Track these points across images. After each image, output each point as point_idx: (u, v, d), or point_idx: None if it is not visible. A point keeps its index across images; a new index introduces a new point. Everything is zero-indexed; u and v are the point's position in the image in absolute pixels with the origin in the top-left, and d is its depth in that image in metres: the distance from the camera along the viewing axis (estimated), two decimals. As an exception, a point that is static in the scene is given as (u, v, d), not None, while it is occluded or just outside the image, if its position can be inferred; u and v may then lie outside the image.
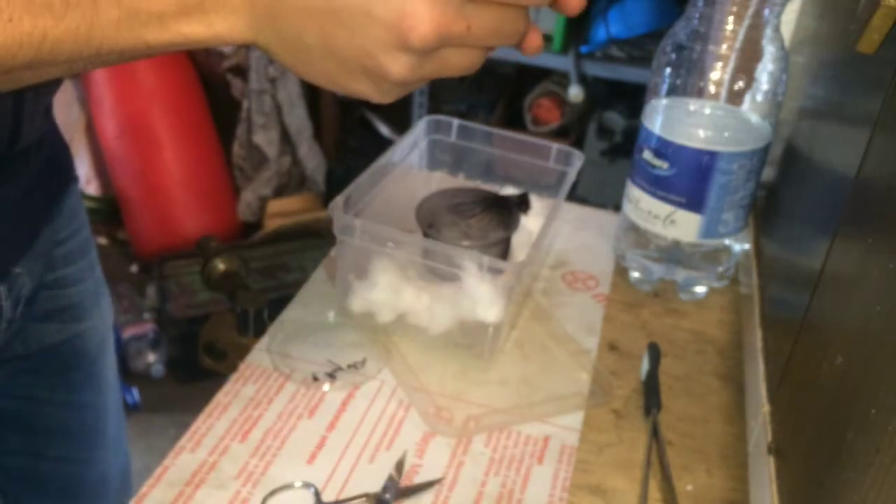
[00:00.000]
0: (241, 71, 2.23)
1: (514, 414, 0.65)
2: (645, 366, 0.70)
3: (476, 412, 0.64)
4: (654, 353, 0.70)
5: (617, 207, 0.87)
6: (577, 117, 2.17)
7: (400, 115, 2.28)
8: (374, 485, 0.57)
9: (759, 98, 0.74)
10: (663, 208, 0.76)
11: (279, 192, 2.33)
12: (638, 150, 0.77)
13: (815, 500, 0.45)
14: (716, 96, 0.74)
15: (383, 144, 1.30)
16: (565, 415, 0.65)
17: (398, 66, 0.41)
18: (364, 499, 0.56)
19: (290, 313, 0.73)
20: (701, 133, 0.73)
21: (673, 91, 0.76)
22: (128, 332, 1.93)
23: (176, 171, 2.16)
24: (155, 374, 1.93)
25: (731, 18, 0.71)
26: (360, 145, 2.41)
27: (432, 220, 0.72)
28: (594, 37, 1.98)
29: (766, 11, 0.71)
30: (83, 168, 2.28)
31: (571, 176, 0.78)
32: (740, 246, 0.81)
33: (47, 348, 0.70)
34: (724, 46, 0.72)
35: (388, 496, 0.56)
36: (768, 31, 0.72)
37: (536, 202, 0.78)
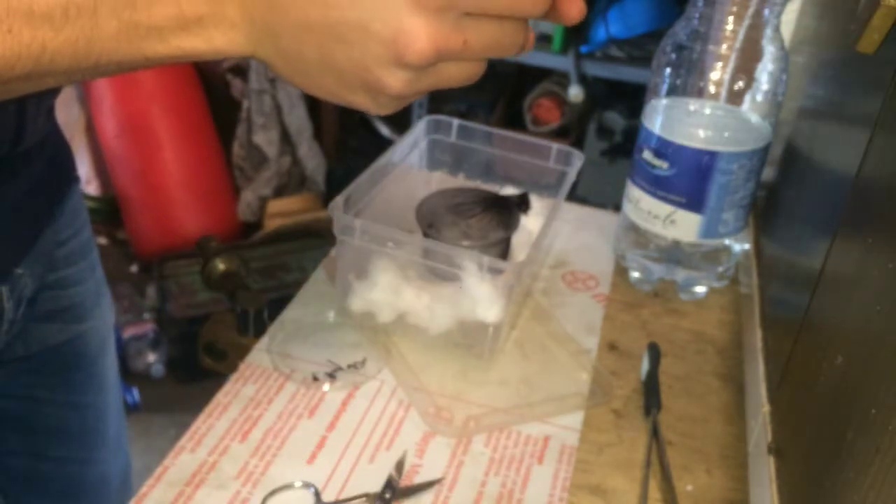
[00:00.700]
0: (241, 71, 2.23)
1: (514, 414, 0.65)
2: (645, 366, 0.70)
3: (476, 412, 0.64)
4: (654, 353, 0.70)
5: (617, 207, 0.87)
6: (577, 117, 2.17)
7: (400, 115, 2.26)
8: (374, 485, 0.57)
9: (759, 98, 0.74)
10: (663, 208, 0.76)
11: (279, 192, 2.33)
12: (638, 150, 0.77)
13: (815, 500, 0.45)
14: (716, 96, 0.74)
15: (383, 144, 1.30)
16: (565, 415, 0.65)
17: (395, 81, 0.41)
18: (364, 499, 0.56)
19: (290, 313, 0.73)
20: (701, 133, 0.73)
21: (673, 91, 0.76)
22: (128, 332, 1.93)
23: (176, 171, 2.16)
24: (155, 374, 1.93)
25: (731, 18, 0.71)
26: (360, 145, 2.41)
27: (432, 220, 0.72)
28: (594, 37, 1.99)
29: (766, 11, 0.71)
30: (83, 168, 2.28)
31: (571, 176, 0.78)
32: (740, 246, 0.81)
33: (48, 349, 0.70)
34: (724, 46, 0.72)
35: (388, 496, 0.56)
36: (768, 31, 0.72)
37: (536, 202, 0.78)
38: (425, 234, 0.71)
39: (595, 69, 2.03)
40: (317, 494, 0.56)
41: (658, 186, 0.76)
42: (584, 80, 2.03)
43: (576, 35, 2.02)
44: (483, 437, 0.63)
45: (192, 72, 2.23)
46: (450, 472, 0.59)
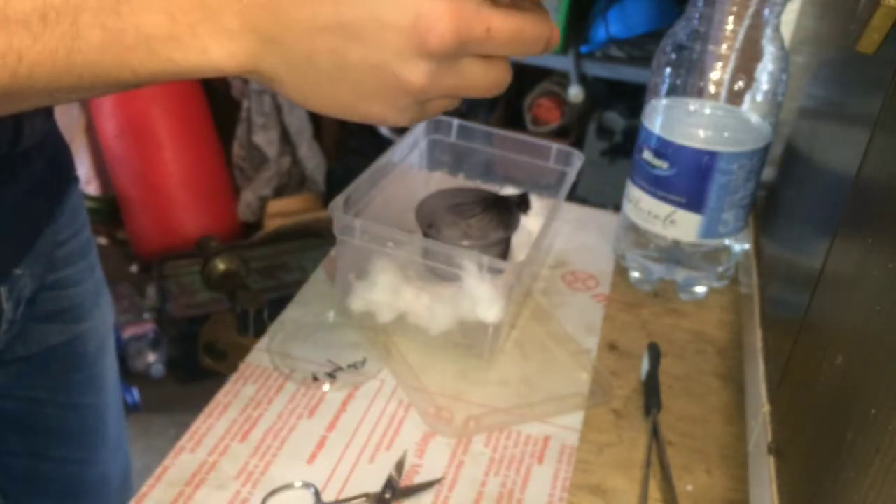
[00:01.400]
0: (242, 71, 2.23)
1: (514, 414, 0.65)
2: (645, 366, 0.70)
3: (476, 412, 0.64)
4: (654, 353, 0.70)
5: (617, 207, 0.87)
6: (577, 117, 2.17)
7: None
8: (374, 485, 0.57)
9: (759, 98, 0.74)
10: (663, 208, 0.76)
11: (279, 192, 2.33)
12: (638, 150, 0.77)
13: (815, 500, 0.45)
14: (716, 96, 0.74)
15: (383, 144, 1.30)
16: (565, 415, 0.65)
17: (417, 74, 0.38)
18: (364, 499, 0.56)
19: (290, 313, 0.73)
20: (701, 133, 0.73)
21: (673, 91, 0.76)
22: (128, 332, 1.93)
23: (176, 171, 2.16)
24: (155, 374, 1.93)
25: (731, 18, 0.71)
26: (360, 145, 2.41)
27: (432, 220, 0.72)
28: (594, 37, 1.99)
29: (766, 11, 0.71)
30: (83, 168, 2.29)
31: (571, 176, 0.78)
32: (740, 246, 0.81)
33: (48, 349, 0.70)
34: (724, 46, 0.72)
35: (388, 496, 0.56)
36: (768, 31, 0.72)
37: (536, 202, 0.78)
38: (425, 234, 0.71)
39: (595, 69, 2.03)
40: (317, 494, 0.56)
41: (658, 186, 0.76)
42: (584, 80, 2.03)
43: (576, 35, 2.02)
44: (483, 437, 0.63)
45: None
46: (450, 472, 0.59)
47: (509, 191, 0.80)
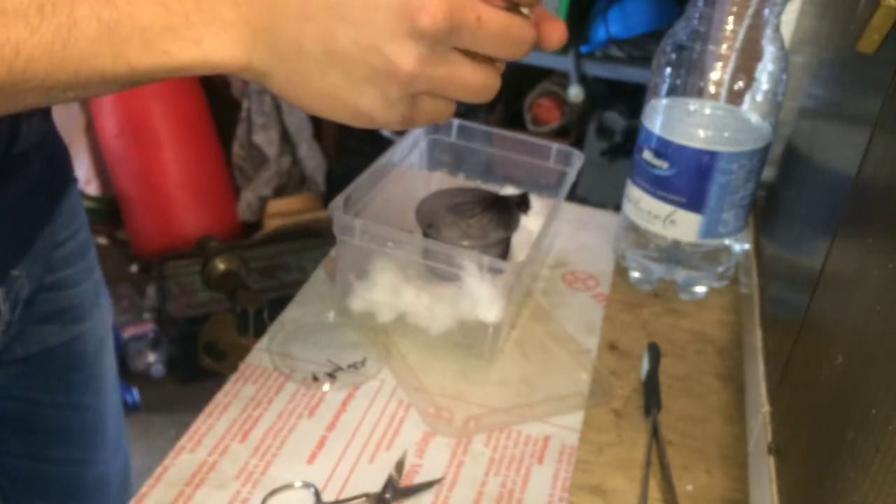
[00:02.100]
0: (241, 71, 2.23)
1: (514, 414, 0.65)
2: (645, 366, 0.70)
3: (476, 412, 0.64)
4: (654, 353, 0.70)
5: (617, 207, 0.87)
6: (577, 117, 2.17)
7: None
8: (374, 485, 0.57)
9: (759, 98, 0.74)
10: (663, 208, 0.76)
11: (279, 192, 2.33)
12: (638, 150, 0.77)
13: (815, 500, 0.45)
14: (716, 96, 0.74)
15: (383, 144, 1.30)
16: (565, 415, 0.65)
17: (407, 58, 0.38)
18: (364, 499, 0.56)
19: (290, 313, 0.73)
20: (701, 133, 0.73)
21: (673, 91, 0.76)
22: (128, 332, 1.93)
23: (176, 171, 2.16)
24: (155, 374, 1.93)
25: (731, 18, 0.71)
26: (360, 145, 2.41)
27: (432, 220, 0.72)
28: (594, 37, 1.99)
29: (766, 11, 0.71)
30: (83, 168, 2.28)
31: (571, 176, 0.78)
32: (740, 246, 0.81)
33: (47, 350, 0.70)
34: (724, 46, 0.72)
35: (388, 496, 0.56)
36: (768, 31, 0.72)
37: (536, 202, 0.78)
38: (425, 234, 0.71)
39: (595, 69, 2.03)
40: (317, 494, 0.56)
41: (658, 186, 0.76)
42: (584, 80, 2.03)
43: (576, 35, 2.02)
44: (483, 437, 0.63)
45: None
46: (450, 472, 0.59)
47: (509, 191, 0.80)
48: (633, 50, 2.00)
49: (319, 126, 2.36)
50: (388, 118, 0.41)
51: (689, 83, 0.75)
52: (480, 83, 0.42)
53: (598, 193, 2.03)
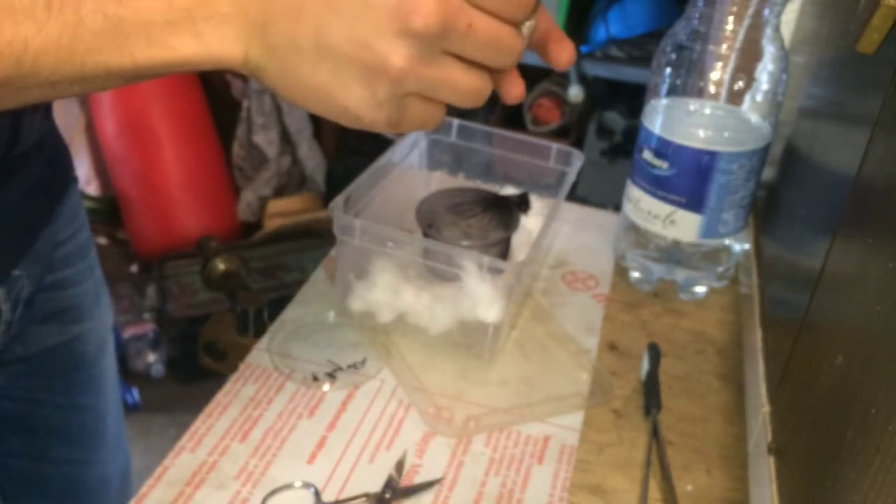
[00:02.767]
0: (241, 71, 2.23)
1: (514, 414, 0.65)
2: (645, 366, 0.70)
3: (476, 412, 0.64)
4: (654, 353, 0.70)
5: (617, 207, 0.87)
6: (577, 117, 2.17)
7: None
8: (374, 485, 0.57)
9: (759, 98, 0.74)
10: (663, 208, 0.76)
11: (279, 192, 2.33)
12: (638, 150, 0.77)
13: (815, 500, 0.45)
14: (716, 96, 0.74)
15: (383, 144, 1.29)
16: (565, 415, 0.65)
17: (397, 55, 0.38)
18: (364, 499, 0.56)
19: (290, 313, 0.73)
20: (701, 133, 0.73)
21: (673, 91, 0.76)
22: (128, 332, 1.93)
23: (176, 171, 2.16)
24: (155, 374, 1.93)
25: (731, 18, 0.71)
26: (360, 145, 2.41)
27: (432, 220, 0.72)
28: (594, 37, 1.98)
29: (766, 11, 0.71)
30: (83, 168, 2.28)
31: (571, 176, 0.78)
32: (740, 246, 0.81)
33: (47, 350, 0.70)
34: (724, 46, 0.72)
35: (388, 496, 0.56)
36: (768, 31, 0.72)
37: (536, 202, 0.78)
38: (425, 234, 0.71)
39: (595, 69, 2.03)
40: (317, 494, 0.56)
41: (658, 186, 0.76)
42: (584, 79, 2.03)
43: (576, 35, 2.02)
44: (483, 437, 0.63)
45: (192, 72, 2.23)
46: (450, 472, 0.59)
47: (509, 191, 0.80)
48: (633, 50, 2.00)
49: (319, 126, 2.36)
50: (375, 118, 0.41)
51: (689, 83, 0.75)
52: (470, 87, 0.42)
53: (598, 193, 2.03)
